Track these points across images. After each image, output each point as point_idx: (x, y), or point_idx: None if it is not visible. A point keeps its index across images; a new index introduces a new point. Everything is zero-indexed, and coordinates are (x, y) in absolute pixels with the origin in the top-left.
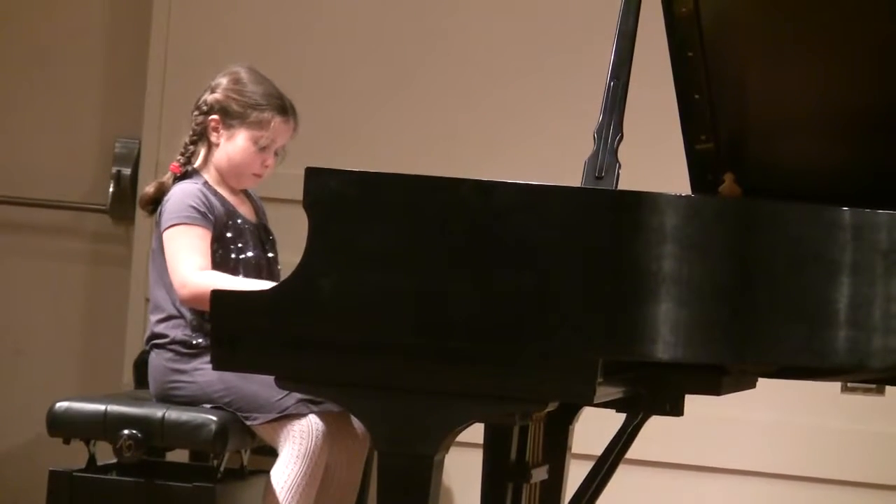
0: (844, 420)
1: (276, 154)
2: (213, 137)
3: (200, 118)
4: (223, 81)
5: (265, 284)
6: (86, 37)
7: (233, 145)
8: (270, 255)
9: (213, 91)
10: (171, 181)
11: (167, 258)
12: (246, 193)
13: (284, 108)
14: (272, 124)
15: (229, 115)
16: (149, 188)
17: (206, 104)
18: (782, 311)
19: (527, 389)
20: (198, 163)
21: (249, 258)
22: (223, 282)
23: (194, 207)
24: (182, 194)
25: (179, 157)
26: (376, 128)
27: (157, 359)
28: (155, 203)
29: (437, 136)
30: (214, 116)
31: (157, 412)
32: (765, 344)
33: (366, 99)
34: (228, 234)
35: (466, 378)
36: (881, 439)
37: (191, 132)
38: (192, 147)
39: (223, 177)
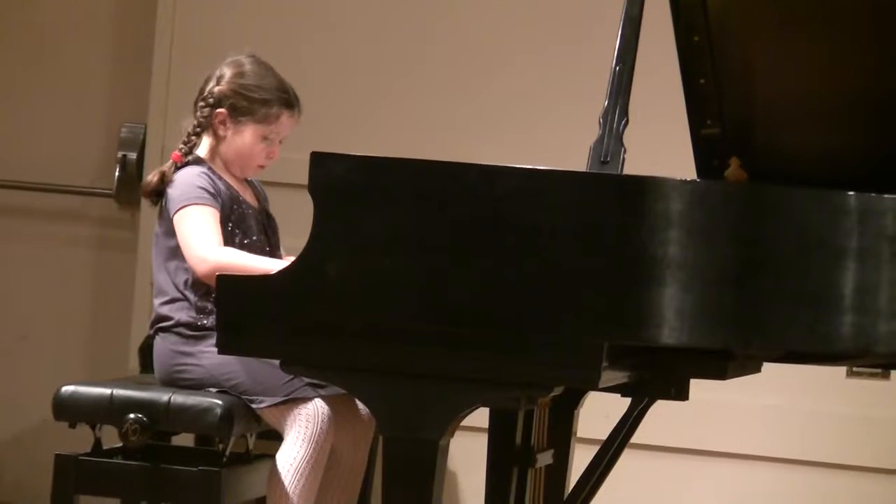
0: (849, 405)
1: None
2: (220, 131)
3: (207, 110)
4: (228, 73)
5: (280, 263)
6: (92, 21)
7: (240, 139)
8: (272, 240)
9: (218, 82)
10: (172, 170)
11: (181, 239)
12: (247, 179)
13: (291, 103)
14: (280, 119)
15: (237, 111)
16: (152, 177)
17: (213, 96)
18: (788, 296)
19: (532, 374)
20: (202, 153)
21: (253, 242)
22: (241, 259)
23: (203, 188)
24: (189, 177)
25: (181, 146)
26: (381, 112)
27: (162, 343)
28: (158, 194)
29: (443, 121)
30: (221, 110)
31: (163, 396)
32: (770, 329)
33: (371, 84)
34: (232, 219)
35: (471, 363)
36: (886, 424)
37: (195, 123)
38: (194, 138)
39: (228, 166)
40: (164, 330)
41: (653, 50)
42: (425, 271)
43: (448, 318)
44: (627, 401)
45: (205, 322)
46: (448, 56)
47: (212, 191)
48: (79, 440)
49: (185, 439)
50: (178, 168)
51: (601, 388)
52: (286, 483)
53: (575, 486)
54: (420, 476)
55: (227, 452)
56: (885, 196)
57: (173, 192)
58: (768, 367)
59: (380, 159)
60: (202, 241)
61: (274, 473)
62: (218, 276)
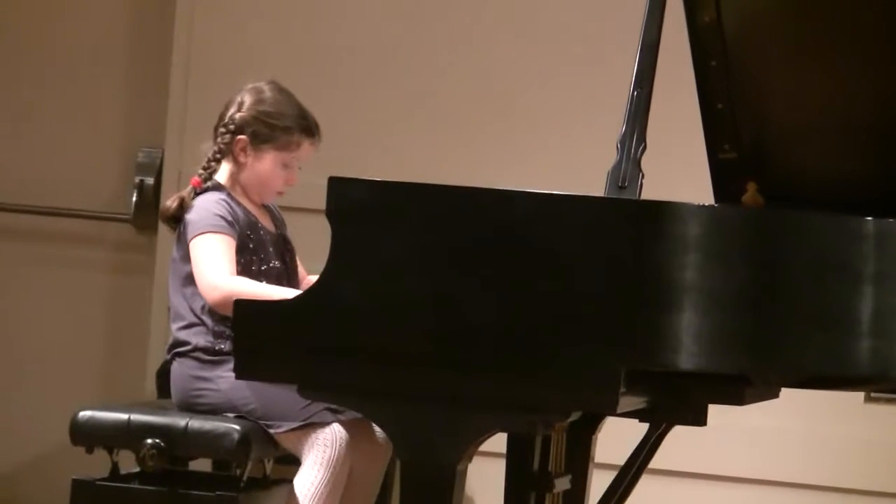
0: (870, 429)
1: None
2: (241, 157)
3: (227, 137)
4: (249, 99)
5: (291, 292)
6: (109, 46)
7: (260, 166)
8: (290, 265)
9: (239, 109)
10: (191, 195)
11: (194, 265)
12: (266, 204)
13: (311, 130)
14: (301, 146)
15: (258, 137)
16: (170, 203)
17: (234, 123)
18: (805, 321)
19: (550, 399)
20: (222, 179)
21: (271, 269)
22: (252, 287)
23: (221, 216)
24: (208, 203)
25: (201, 172)
26: (398, 137)
27: (179, 367)
28: (177, 219)
29: (460, 146)
30: (242, 137)
31: (180, 421)
32: (788, 353)
33: (388, 108)
34: (250, 245)
35: (489, 387)
36: None
37: (216, 149)
38: (214, 163)
39: (247, 192)
40: (181, 354)
41: (670, 75)
42: (443, 295)
43: (465, 342)
44: (645, 426)
45: (222, 347)
46: (467, 80)
47: (229, 219)
48: (96, 465)
49: (202, 464)
50: (197, 193)
51: (619, 414)
52: None
53: None
54: (437, 501)
55: (245, 477)
56: None
57: (191, 217)
58: (786, 392)
59: (397, 184)
60: (214, 269)
61: (292, 498)
62: (235, 301)
